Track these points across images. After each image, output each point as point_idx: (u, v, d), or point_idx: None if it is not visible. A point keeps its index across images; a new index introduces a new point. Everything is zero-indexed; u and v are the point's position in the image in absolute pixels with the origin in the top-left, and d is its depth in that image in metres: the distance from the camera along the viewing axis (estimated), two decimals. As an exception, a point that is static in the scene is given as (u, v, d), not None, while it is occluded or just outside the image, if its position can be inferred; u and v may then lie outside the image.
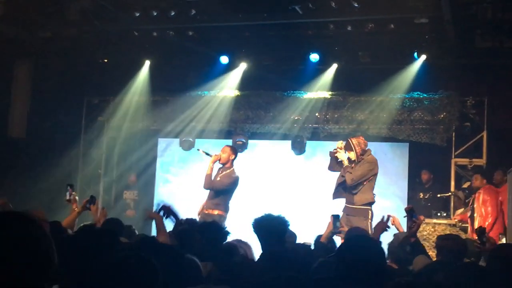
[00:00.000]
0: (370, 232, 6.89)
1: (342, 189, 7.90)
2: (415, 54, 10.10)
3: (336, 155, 7.99)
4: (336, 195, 8.00)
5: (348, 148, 7.87)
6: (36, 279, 1.74)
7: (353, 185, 7.70)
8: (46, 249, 1.79)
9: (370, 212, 7.62)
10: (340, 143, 8.02)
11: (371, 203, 7.70)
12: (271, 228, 4.49)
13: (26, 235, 1.76)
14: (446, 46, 9.95)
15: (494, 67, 10.13)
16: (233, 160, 8.58)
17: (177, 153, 11.77)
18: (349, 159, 7.82)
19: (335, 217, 5.68)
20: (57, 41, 10.61)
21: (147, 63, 11.34)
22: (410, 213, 5.04)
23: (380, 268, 3.05)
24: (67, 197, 6.50)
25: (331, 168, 8.26)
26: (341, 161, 7.93)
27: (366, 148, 7.91)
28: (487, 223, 8.60)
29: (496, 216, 8.83)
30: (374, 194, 7.79)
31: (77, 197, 6.54)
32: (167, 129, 11.45)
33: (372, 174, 7.77)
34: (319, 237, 5.74)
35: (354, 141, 7.90)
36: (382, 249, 3.20)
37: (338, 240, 5.88)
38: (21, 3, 9.54)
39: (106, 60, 11.54)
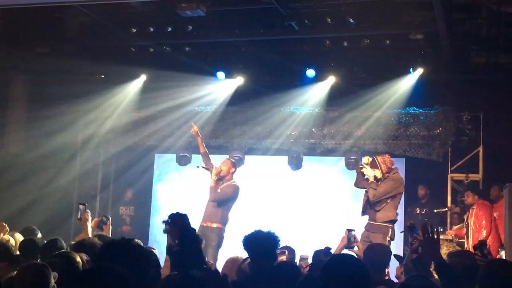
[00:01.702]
0: None
1: (369, 206, 7.90)
2: (411, 69, 10.15)
3: (362, 170, 8.01)
4: (365, 212, 7.99)
5: (373, 166, 7.90)
6: None
7: (375, 201, 7.72)
8: None
9: (390, 230, 7.63)
10: (367, 159, 8.03)
11: (393, 221, 7.72)
12: (261, 245, 4.49)
13: None
14: (442, 61, 10.02)
15: (489, 82, 10.19)
16: (233, 173, 8.69)
17: (174, 168, 11.76)
18: (375, 177, 7.83)
19: (350, 232, 5.60)
20: (55, 57, 10.63)
21: (144, 79, 11.38)
22: (411, 229, 4.97)
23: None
24: (78, 216, 6.48)
25: (357, 184, 8.28)
26: (367, 178, 7.94)
27: (393, 167, 7.95)
28: (481, 236, 8.58)
29: (490, 230, 8.83)
30: (397, 213, 7.82)
31: (88, 216, 6.48)
32: (163, 144, 11.45)
33: (396, 192, 7.78)
34: (317, 252, 5.68)
35: (379, 159, 7.93)
36: (365, 268, 3.19)
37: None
38: (19, 19, 9.56)
39: (103, 76, 11.57)
